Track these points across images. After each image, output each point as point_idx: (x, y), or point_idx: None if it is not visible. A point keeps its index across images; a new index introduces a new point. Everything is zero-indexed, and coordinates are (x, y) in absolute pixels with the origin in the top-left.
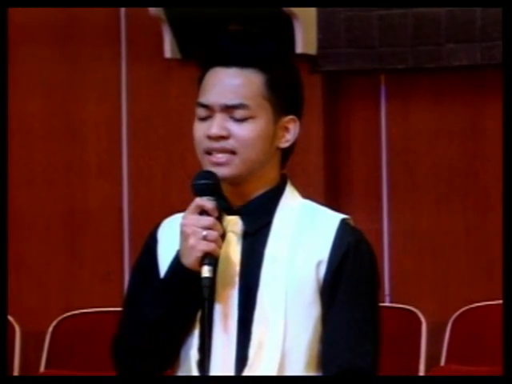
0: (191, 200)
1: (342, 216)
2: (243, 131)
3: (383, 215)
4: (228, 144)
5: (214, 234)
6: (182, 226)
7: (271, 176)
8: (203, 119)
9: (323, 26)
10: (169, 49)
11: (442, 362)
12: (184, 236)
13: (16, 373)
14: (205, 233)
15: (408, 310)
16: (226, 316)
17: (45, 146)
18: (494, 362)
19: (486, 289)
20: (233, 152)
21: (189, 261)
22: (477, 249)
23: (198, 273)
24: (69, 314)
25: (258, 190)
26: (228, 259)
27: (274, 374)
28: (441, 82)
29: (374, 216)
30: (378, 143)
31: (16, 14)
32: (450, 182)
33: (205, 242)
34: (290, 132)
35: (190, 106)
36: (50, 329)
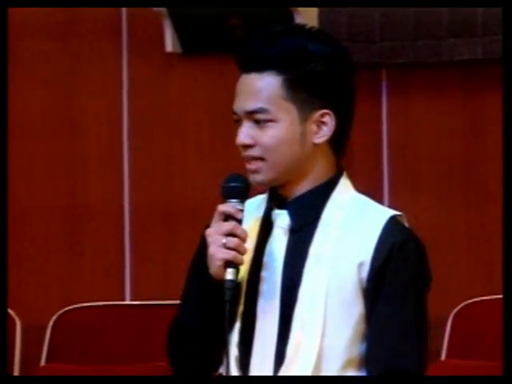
0: (192, 195)
1: (392, 213)
2: (266, 138)
3: None
4: (255, 152)
5: (233, 240)
6: (206, 234)
7: (320, 171)
8: (238, 124)
9: (324, 21)
10: (170, 43)
11: (443, 357)
12: (208, 244)
13: (16, 366)
14: (224, 240)
15: None
16: (268, 312)
17: (45, 140)
18: (495, 357)
19: (487, 283)
20: (262, 159)
21: (212, 270)
22: (477, 243)
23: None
24: (69, 307)
25: (308, 186)
26: (273, 255)
27: (310, 372)
28: (442, 76)
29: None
30: (378, 138)
31: (17, 9)
32: (450, 177)
33: (224, 250)
34: (328, 125)
35: (190, 100)
36: (51, 323)
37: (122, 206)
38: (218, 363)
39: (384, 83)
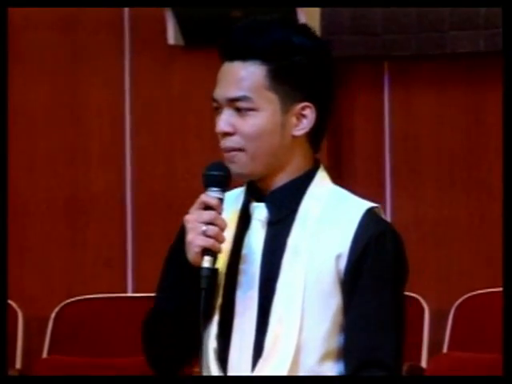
0: (194, 187)
1: (369, 205)
2: (247, 126)
3: (386, 203)
4: (233, 142)
5: (213, 229)
6: (184, 221)
7: (297, 164)
8: (218, 112)
9: (326, 13)
10: (172, 35)
11: (445, 349)
12: (186, 231)
13: (18, 358)
14: (204, 228)
15: (411, 297)
16: (246, 304)
17: (48, 132)
18: (497, 349)
19: (489, 276)
20: (240, 149)
21: (189, 256)
22: (479, 236)
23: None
24: (71, 299)
25: (285, 179)
26: (251, 247)
27: (288, 364)
28: (444, 69)
29: (376, 203)
30: (380, 130)
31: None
32: (452, 170)
33: (202, 238)
34: (307, 118)
35: (193, 93)
36: (53, 314)
37: (123, 198)
38: (194, 355)
39: (386, 76)
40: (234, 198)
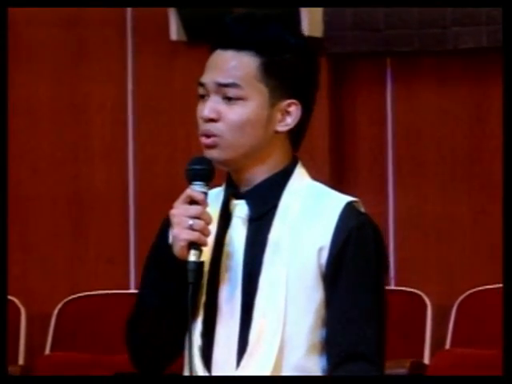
0: None
1: (348, 199)
2: (232, 114)
3: (388, 198)
4: (215, 128)
5: (199, 223)
6: (170, 215)
7: (277, 160)
8: (202, 98)
9: (329, 9)
10: (175, 31)
11: (447, 346)
12: (171, 225)
13: (21, 355)
14: (191, 222)
15: (413, 293)
16: (230, 301)
17: (50, 129)
18: (499, 346)
19: (491, 272)
20: (221, 136)
21: (175, 250)
22: (482, 232)
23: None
24: (74, 296)
25: (264, 174)
26: (233, 244)
27: (273, 359)
28: (446, 65)
29: (379, 199)
30: (383, 126)
31: None
32: (455, 166)
33: (188, 231)
34: (292, 116)
35: (195, 89)
36: (56, 311)
37: (126, 195)
38: (179, 352)
39: (388, 72)
40: (213, 197)
